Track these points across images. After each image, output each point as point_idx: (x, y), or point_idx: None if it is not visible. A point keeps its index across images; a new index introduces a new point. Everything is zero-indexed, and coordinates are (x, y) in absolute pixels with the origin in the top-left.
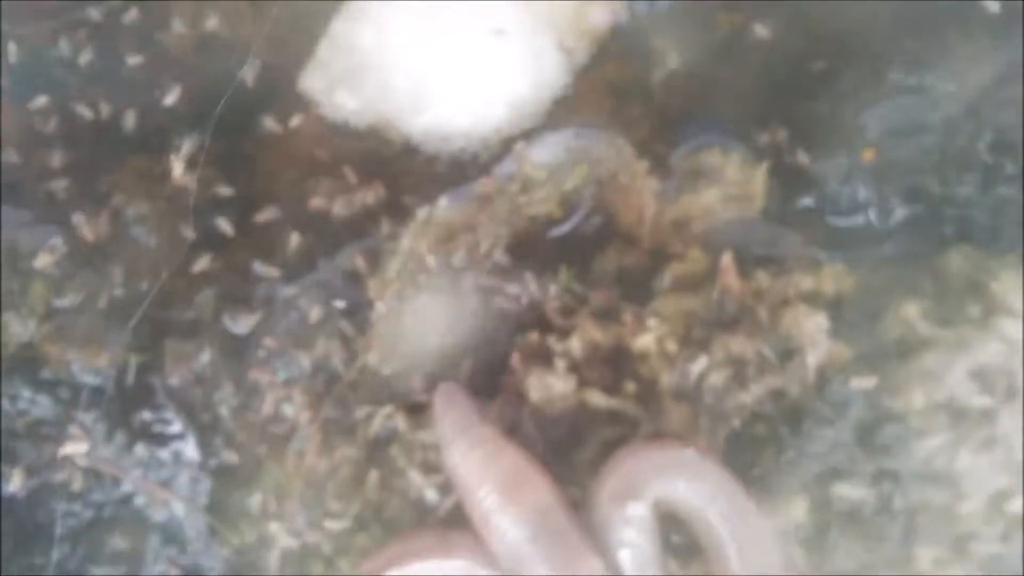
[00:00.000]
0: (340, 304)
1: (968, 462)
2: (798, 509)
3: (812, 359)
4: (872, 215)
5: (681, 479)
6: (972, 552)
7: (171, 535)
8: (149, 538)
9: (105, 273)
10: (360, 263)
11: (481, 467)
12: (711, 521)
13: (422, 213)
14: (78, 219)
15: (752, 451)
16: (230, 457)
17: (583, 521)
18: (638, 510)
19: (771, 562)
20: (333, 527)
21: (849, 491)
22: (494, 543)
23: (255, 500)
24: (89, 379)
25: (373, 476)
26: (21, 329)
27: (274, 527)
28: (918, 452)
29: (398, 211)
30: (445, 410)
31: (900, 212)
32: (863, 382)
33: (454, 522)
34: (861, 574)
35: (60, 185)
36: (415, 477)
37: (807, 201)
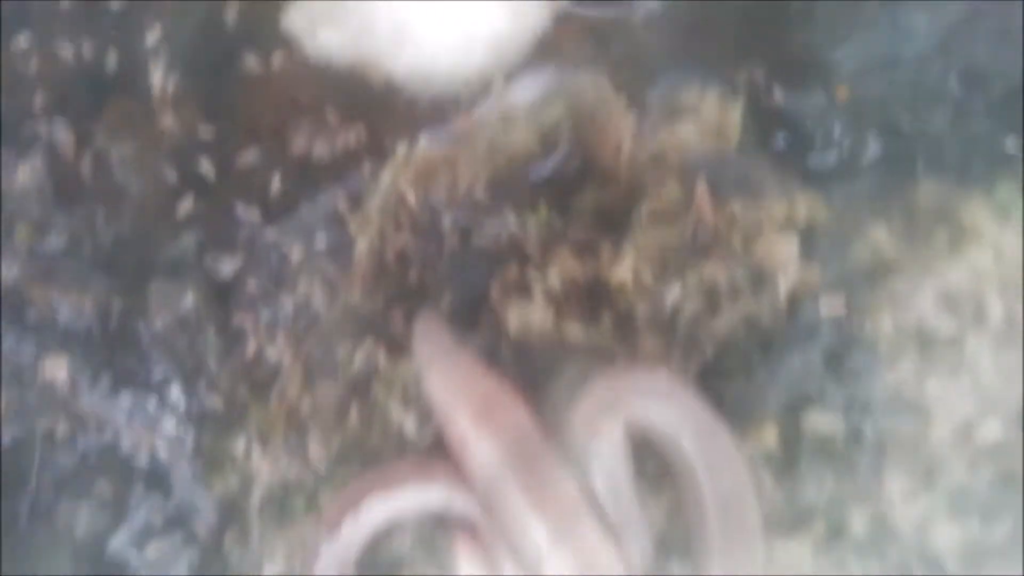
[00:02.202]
0: (321, 245)
1: (937, 390)
2: (769, 437)
3: (783, 283)
4: (845, 152)
5: (652, 402)
6: (940, 483)
7: (155, 481)
8: (134, 484)
9: (89, 216)
10: (342, 205)
11: (458, 390)
12: (681, 444)
13: (402, 150)
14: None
15: (724, 382)
16: (214, 402)
17: (556, 446)
18: (611, 432)
19: (740, 485)
20: (315, 462)
21: (820, 421)
22: (470, 466)
23: (239, 444)
24: (74, 323)
25: (354, 412)
26: (5, 272)
27: (256, 465)
28: (888, 380)
29: (379, 152)
30: (424, 337)
31: (873, 148)
32: (833, 302)
33: (434, 453)
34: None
35: (42, 127)
36: (395, 410)
37: (782, 138)
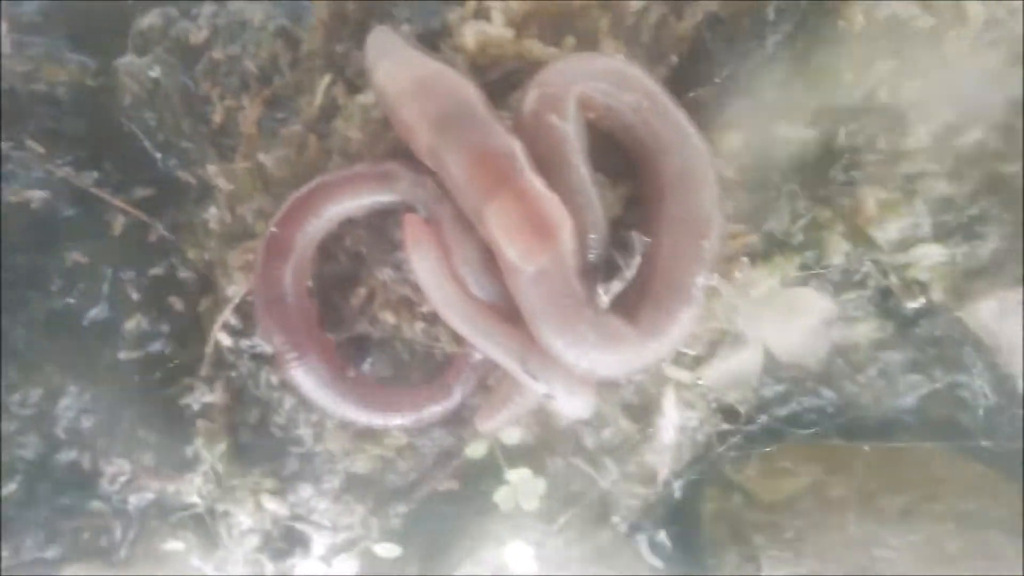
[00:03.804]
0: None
1: (914, 94)
2: (733, 141)
3: None
4: None
5: (606, 80)
6: (920, 191)
7: (130, 252)
8: (107, 253)
9: None
10: None
11: (403, 75)
12: (635, 123)
13: None
14: None
15: (689, 86)
16: (185, 176)
17: (504, 117)
18: (563, 106)
19: (697, 165)
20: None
21: (790, 131)
22: (415, 146)
23: (211, 214)
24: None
25: (313, 140)
26: None
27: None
28: (861, 84)
29: None
30: (374, 41)
31: None
32: None
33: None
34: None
35: None
36: (355, 134)
37: None
